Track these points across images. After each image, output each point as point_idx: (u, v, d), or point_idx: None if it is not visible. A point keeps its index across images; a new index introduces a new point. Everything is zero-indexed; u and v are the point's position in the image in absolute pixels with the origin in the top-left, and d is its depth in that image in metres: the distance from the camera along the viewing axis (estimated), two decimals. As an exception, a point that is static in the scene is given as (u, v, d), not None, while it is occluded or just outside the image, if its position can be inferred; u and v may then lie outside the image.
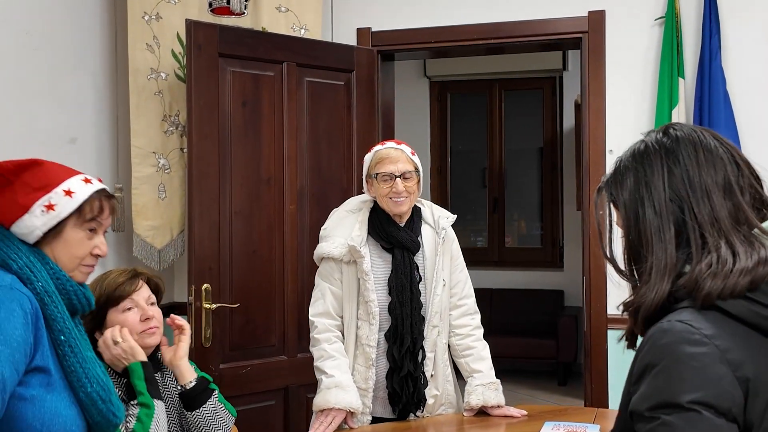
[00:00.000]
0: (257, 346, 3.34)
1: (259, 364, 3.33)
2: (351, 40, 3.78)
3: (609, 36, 3.51)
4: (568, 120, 6.74)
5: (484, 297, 6.58)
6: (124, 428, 1.89)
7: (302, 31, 3.58)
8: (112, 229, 3.37)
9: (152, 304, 2.13)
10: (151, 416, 1.92)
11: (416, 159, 2.49)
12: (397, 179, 2.40)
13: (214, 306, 3.16)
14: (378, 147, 2.50)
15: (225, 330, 3.24)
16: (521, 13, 3.62)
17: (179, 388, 2.13)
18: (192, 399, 2.09)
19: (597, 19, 3.53)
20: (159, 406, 1.96)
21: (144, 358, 2.02)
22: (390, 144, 2.50)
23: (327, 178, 3.52)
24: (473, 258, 6.85)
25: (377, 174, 2.43)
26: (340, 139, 3.58)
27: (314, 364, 2.45)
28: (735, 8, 3.35)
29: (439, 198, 7.02)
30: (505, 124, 7.20)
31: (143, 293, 2.10)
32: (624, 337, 1.22)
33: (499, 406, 2.46)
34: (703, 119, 3.24)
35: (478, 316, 2.58)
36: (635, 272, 1.21)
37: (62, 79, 3.18)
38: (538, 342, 6.38)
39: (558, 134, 6.97)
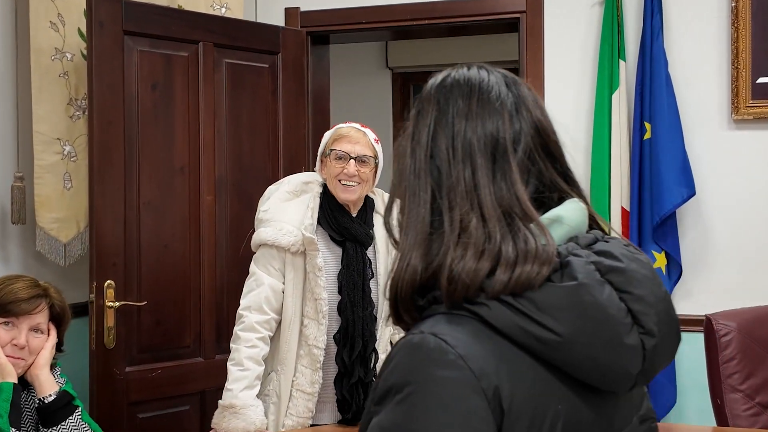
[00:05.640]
0: (169, 347, 3.10)
1: (171, 366, 3.09)
2: (279, 21, 3.55)
3: (548, 17, 3.31)
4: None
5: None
6: None
7: (223, 10, 3.35)
8: (11, 222, 3.14)
9: (40, 332, 1.93)
10: None
11: (379, 147, 2.26)
12: (351, 160, 2.18)
13: (117, 304, 2.93)
14: (341, 125, 2.29)
15: (132, 330, 3.00)
16: (458, -7, 3.41)
17: (38, 401, 1.91)
18: (49, 414, 1.87)
19: (536, -2, 3.32)
20: None
21: (14, 380, 1.83)
22: (354, 124, 2.28)
23: (249, 168, 3.29)
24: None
25: (332, 151, 2.21)
26: (264, 125, 3.35)
27: (228, 362, 2.23)
28: (679, -15, 3.15)
29: (400, 192, 6.82)
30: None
31: (36, 319, 1.92)
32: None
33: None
34: (644, 103, 3.04)
35: None
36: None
37: (-47, 59, 2.94)
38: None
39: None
